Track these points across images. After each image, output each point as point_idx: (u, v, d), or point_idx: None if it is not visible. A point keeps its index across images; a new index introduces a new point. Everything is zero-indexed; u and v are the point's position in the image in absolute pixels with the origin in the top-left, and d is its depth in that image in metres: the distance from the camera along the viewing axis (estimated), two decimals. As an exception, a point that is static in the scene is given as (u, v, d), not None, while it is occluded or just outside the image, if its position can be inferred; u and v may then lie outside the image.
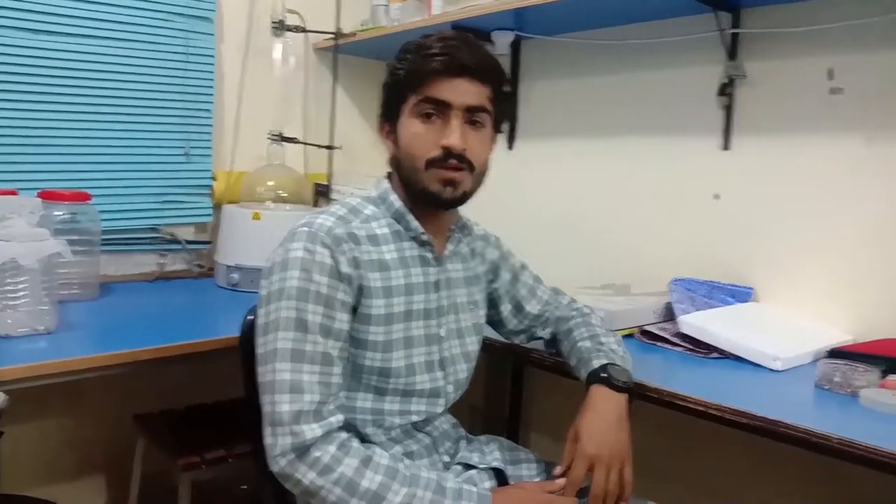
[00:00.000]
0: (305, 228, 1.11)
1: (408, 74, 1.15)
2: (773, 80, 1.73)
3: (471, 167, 1.16)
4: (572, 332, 1.35)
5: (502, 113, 1.23)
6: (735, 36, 1.77)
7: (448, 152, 1.13)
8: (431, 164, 1.14)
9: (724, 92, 1.79)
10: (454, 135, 1.13)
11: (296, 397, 1.03)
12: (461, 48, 1.14)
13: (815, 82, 1.65)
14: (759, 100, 1.76)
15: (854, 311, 1.60)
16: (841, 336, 1.58)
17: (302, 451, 1.02)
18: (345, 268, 1.10)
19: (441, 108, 1.14)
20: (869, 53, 1.57)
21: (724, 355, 1.49)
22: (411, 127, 1.16)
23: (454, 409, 1.34)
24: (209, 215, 2.30)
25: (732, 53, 1.77)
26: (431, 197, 1.16)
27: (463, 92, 1.14)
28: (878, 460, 1.02)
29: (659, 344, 1.59)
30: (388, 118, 1.21)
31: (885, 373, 1.31)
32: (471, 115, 1.15)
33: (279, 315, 1.07)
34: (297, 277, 1.07)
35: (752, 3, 1.72)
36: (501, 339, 1.50)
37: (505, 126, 2.27)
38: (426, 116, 1.15)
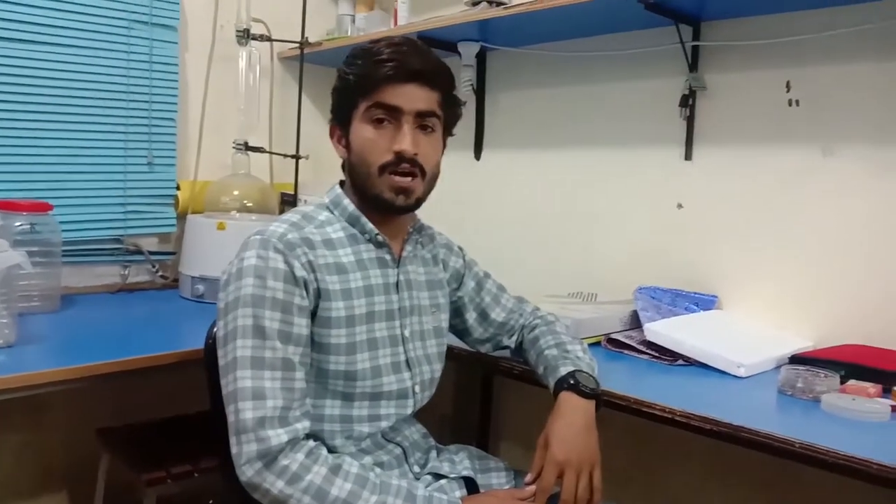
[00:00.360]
0: (258, 237, 1.12)
1: (358, 80, 1.16)
2: (733, 91, 1.76)
3: (422, 172, 1.18)
4: (538, 341, 1.36)
5: (452, 117, 1.25)
6: (696, 48, 1.80)
7: (400, 157, 1.15)
8: (384, 169, 1.16)
9: (686, 103, 1.82)
10: (406, 140, 1.15)
11: (258, 404, 1.03)
12: (411, 54, 1.15)
13: (773, 94, 1.69)
14: (720, 111, 1.79)
15: (815, 318, 1.64)
16: (802, 342, 1.61)
17: (269, 458, 1.01)
18: (300, 272, 1.10)
19: (392, 114, 1.15)
20: (824, 66, 1.61)
21: (690, 362, 1.51)
22: (363, 132, 1.17)
23: (424, 419, 1.33)
24: (173, 225, 2.27)
25: (693, 65, 1.80)
26: (385, 203, 1.18)
27: (414, 97, 1.15)
28: (840, 464, 1.04)
29: (625, 352, 1.60)
30: (339, 123, 1.23)
31: (845, 378, 1.34)
32: (422, 119, 1.17)
33: (237, 324, 1.06)
34: (252, 285, 1.07)
35: (712, 16, 1.76)
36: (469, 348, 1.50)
37: (469, 135, 2.32)
38: (378, 122, 1.16)
